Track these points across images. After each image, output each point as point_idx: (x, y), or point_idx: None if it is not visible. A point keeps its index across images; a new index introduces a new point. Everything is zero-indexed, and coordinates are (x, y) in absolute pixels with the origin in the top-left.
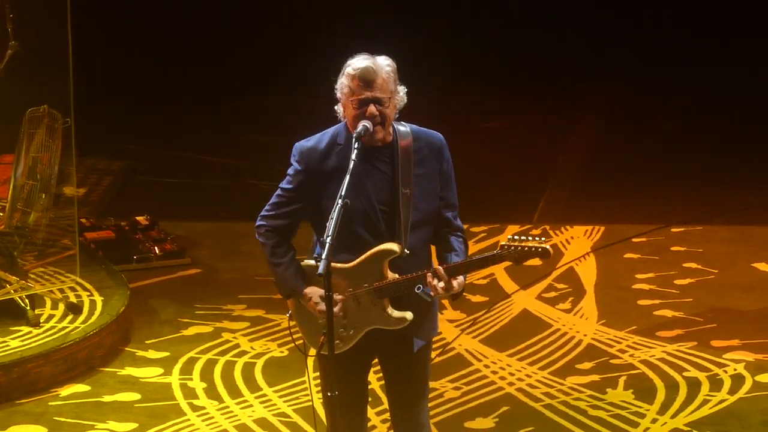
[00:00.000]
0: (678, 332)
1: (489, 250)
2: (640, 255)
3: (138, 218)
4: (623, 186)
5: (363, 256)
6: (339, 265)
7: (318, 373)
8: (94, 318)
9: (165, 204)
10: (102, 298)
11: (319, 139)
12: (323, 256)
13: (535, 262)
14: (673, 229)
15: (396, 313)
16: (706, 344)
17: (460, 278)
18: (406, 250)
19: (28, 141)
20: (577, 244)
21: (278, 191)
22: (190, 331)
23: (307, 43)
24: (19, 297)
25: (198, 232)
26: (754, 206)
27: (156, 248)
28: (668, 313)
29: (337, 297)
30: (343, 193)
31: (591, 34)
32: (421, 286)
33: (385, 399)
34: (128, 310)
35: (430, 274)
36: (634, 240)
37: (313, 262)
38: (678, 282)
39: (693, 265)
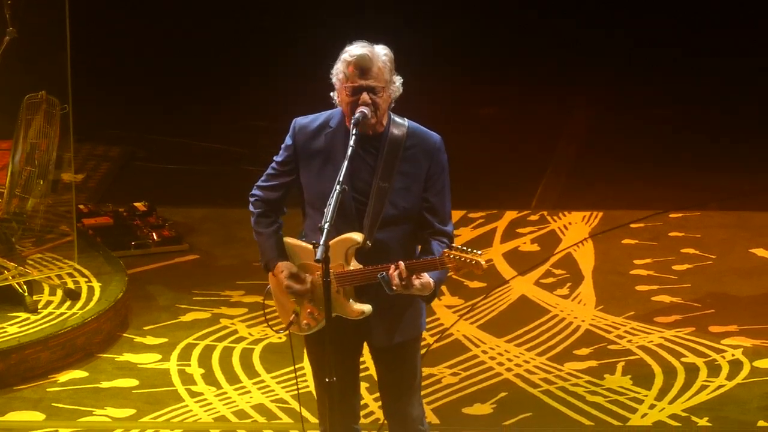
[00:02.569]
0: (676, 318)
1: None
2: (638, 241)
3: (136, 204)
4: (621, 172)
5: (331, 241)
6: (310, 246)
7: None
8: (92, 304)
9: (163, 190)
10: (100, 284)
11: (315, 118)
12: (321, 242)
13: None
14: (671, 215)
15: (356, 305)
16: (704, 330)
17: (426, 278)
18: (368, 242)
19: (26, 127)
20: (575, 229)
21: (271, 163)
22: (188, 317)
23: (305, 29)
24: (17, 283)
25: (196, 218)
26: (752, 192)
27: (154, 234)
28: (666, 298)
29: (306, 276)
30: (341, 179)
31: (589, 20)
32: (384, 273)
33: None
34: (126, 296)
35: (392, 266)
36: (632, 226)
37: (293, 240)
38: (676, 268)
39: (691, 250)
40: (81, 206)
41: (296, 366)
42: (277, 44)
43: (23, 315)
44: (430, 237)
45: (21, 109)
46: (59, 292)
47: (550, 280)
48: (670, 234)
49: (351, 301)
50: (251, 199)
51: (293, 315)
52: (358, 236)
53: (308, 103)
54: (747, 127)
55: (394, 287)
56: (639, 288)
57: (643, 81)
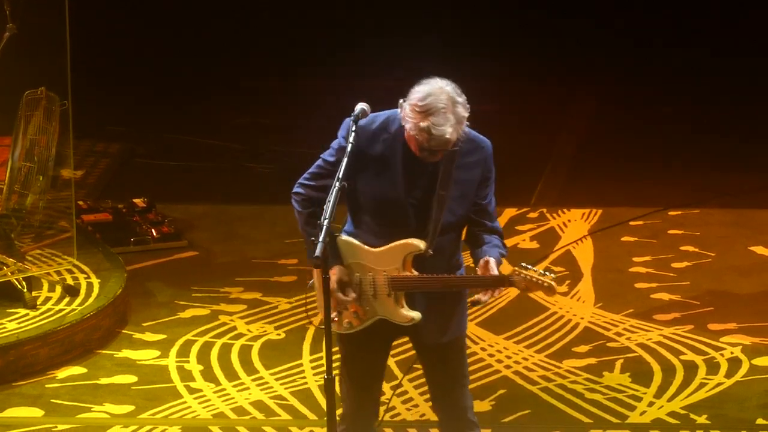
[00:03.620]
0: (675, 315)
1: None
2: (637, 238)
3: (135, 201)
4: (620, 169)
5: (389, 245)
6: (366, 246)
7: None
8: (91, 300)
9: (162, 187)
10: (99, 281)
11: (372, 119)
12: (320, 239)
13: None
14: (671, 213)
15: (406, 311)
16: (703, 327)
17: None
18: (430, 251)
19: (26, 123)
20: (574, 227)
21: (319, 161)
22: (187, 313)
23: (302, 25)
24: (16, 279)
25: (195, 214)
26: (752, 189)
27: (153, 231)
28: (665, 296)
29: (355, 278)
30: (341, 176)
31: (589, 17)
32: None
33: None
34: (125, 292)
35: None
36: (632, 223)
37: (348, 238)
38: (675, 265)
39: (690, 248)
40: (80, 202)
41: (293, 363)
42: (276, 41)
43: (22, 311)
44: (482, 233)
45: (20, 106)
46: (58, 288)
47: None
48: (669, 231)
49: (402, 306)
50: (296, 198)
51: (335, 313)
52: (421, 243)
53: (308, 99)
54: (747, 125)
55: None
56: (638, 285)
57: (643, 78)
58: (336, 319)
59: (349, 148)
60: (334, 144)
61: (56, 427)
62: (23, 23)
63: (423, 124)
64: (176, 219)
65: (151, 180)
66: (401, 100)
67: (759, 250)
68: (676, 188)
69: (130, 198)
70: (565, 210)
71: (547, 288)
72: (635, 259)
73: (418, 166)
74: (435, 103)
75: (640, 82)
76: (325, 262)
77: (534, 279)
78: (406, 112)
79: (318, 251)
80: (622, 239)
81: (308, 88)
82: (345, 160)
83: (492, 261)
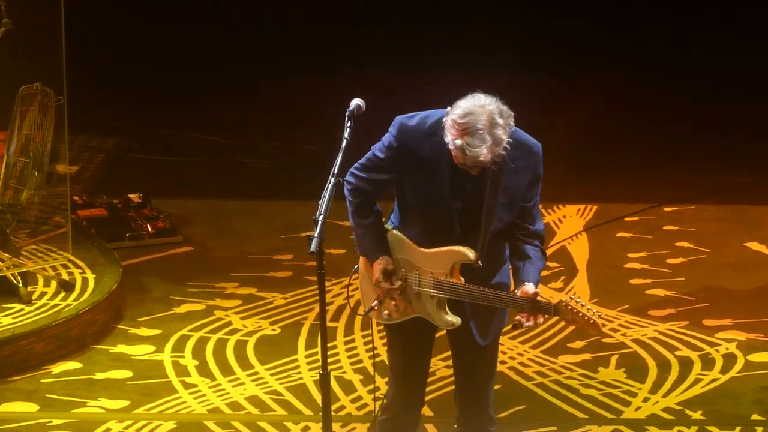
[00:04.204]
0: (670, 311)
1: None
2: (632, 234)
3: (130, 196)
4: (616, 165)
5: (440, 249)
6: (415, 245)
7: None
8: (86, 295)
9: (158, 182)
10: (94, 276)
11: (421, 121)
12: (315, 235)
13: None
14: (666, 209)
15: (448, 316)
16: (698, 323)
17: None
18: (480, 262)
19: (21, 119)
20: (569, 222)
21: (370, 154)
22: (182, 308)
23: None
24: (12, 274)
25: (190, 210)
26: (747, 185)
27: (148, 226)
28: (660, 292)
29: (401, 272)
30: (335, 171)
31: (587, 15)
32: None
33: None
34: (120, 287)
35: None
36: (627, 219)
37: (399, 233)
38: (670, 261)
39: (685, 244)
40: (75, 198)
41: (288, 359)
42: (273, 36)
43: (17, 306)
44: (523, 238)
45: (16, 101)
46: (53, 284)
47: (545, 273)
48: (664, 227)
49: (444, 310)
50: (347, 186)
51: (375, 302)
52: (471, 253)
53: (306, 94)
54: (742, 122)
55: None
56: (633, 281)
57: (639, 76)
58: (376, 308)
59: (343, 144)
60: (385, 140)
61: (51, 421)
62: (18, 18)
63: (459, 142)
64: (171, 214)
65: (146, 175)
66: (449, 108)
67: (754, 246)
68: (671, 184)
69: (126, 193)
70: (560, 206)
71: (593, 325)
72: (630, 255)
73: (465, 173)
74: (473, 123)
75: (636, 80)
76: (320, 257)
77: (581, 314)
78: (447, 124)
79: (313, 246)
80: (618, 235)
81: (305, 84)
82: (339, 156)
83: (531, 287)
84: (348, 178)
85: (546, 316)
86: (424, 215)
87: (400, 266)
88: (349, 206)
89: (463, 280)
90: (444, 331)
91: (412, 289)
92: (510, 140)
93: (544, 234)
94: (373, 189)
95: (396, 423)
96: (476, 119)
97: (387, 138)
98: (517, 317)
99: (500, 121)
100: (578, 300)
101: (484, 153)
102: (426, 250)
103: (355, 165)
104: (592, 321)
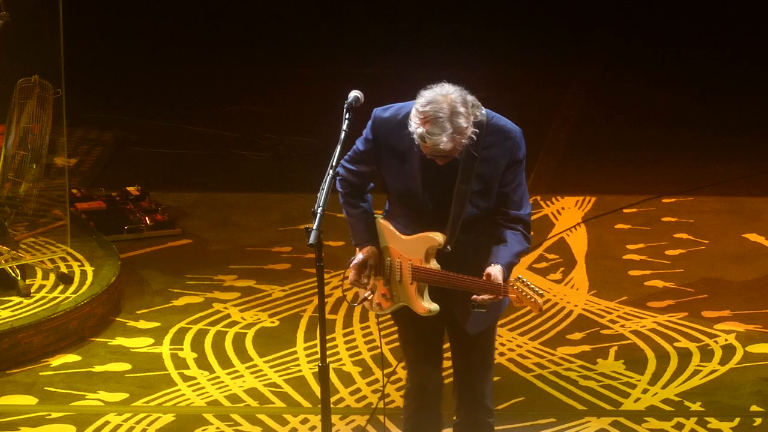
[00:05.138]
0: (669, 303)
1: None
2: (630, 226)
3: (129, 189)
4: (614, 156)
5: (415, 235)
6: (398, 233)
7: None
8: (84, 288)
9: (156, 174)
10: (93, 269)
11: (396, 112)
12: (314, 227)
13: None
14: (664, 200)
15: (425, 302)
16: (696, 315)
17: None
18: (448, 246)
19: (19, 111)
20: (568, 214)
21: (354, 146)
22: (181, 301)
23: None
24: (10, 267)
25: (189, 202)
26: (745, 176)
27: (147, 219)
28: (659, 283)
29: (387, 261)
30: (333, 163)
31: (583, 5)
32: (475, 303)
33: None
34: (119, 280)
35: (474, 299)
36: (625, 211)
37: (385, 221)
38: (669, 253)
39: (684, 235)
40: (74, 190)
41: (287, 351)
42: (270, 28)
43: (16, 299)
44: (503, 223)
45: (14, 94)
46: (52, 276)
47: (543, 264)
48: (663, 219)
49: (422, 297)
50: (338, 178)
51: (369, 293)
52: (440, 237)
53: (300, 87)
54: (740, 113)
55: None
56: (632, 273)
57: (636, 66)
58: (369, 298)
59: (342, 136)
60: (364, 132)
61: (50, 414)
62: (16, 11)
63: (420, 131)
64: (170, 207)
65: (144, 168)
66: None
67: (753, 237)
68: (669, 175)
69: (124, 186)
70: (558, 197)
71: (533, 304)
72: (629, 246)
73: (434, 161)
74: (434, 112)
75: (633, 69)
76: (319, 249)
77: (524, 293)
78: (412, 113)
79: (312, 239)
80: (616, 227)
81: (303, 75)
82: (338, 148)
83: (496, 269)
84: (339, 169)
85: (500, 297)
86: (403, 204)
87: (386, 255)
88: (340, 197)
89: (438, 266)
90: None
91: (396, 278)
92: (476, 129)
93: (528, 218)
94: (358, 180)
95: (416, 406)
96: (437, 108)
97: (365, 130)
98: (473, 298)
99: (462, 110)
100: (525, 281)
101: (444, 141)
102: (404, 237)
103: (345, 157)
104: (533, 300)
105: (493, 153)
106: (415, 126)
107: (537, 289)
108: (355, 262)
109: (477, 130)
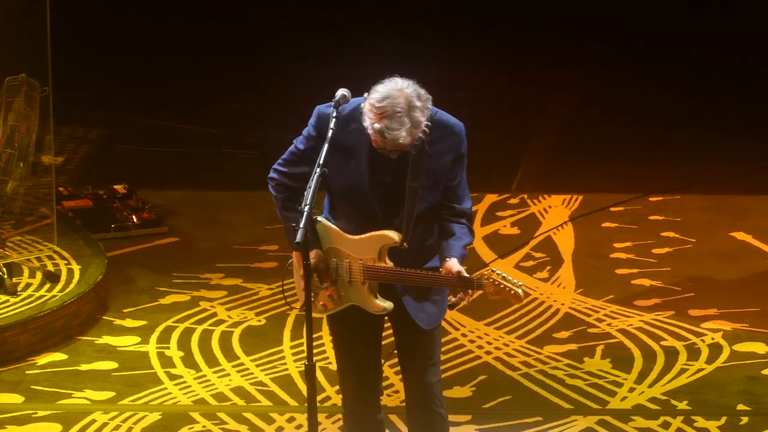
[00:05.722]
0: (656, 301)
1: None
2: (617, 224)
3: (116, 187)
4: (601, 155)
5: (366, 235)
6: (343, 233)
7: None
8: (71, 287)
9: (143, 172)
10: (79, 267)
11: (343, 108)
12: (301, 225)
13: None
14: (651, 198)
15: (379, 301)
16: (683, 313)
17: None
18: (405, 244)
19: (6, 109)
20: (554, 213)
21: (292, 147)
22: (168, 299)
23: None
24: None
25: (176, 200)
26: (732, 175)
27: (134, 217)
28: (646, 282)
29: (333, 263)
30: (321, 162)
31: (571, 5)
32: (452, 302)
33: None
34: (106, 278)
35: (451, 297)
36: (612, 209)
37: (327, 222)
38: (656, 251)
39: (671, 234)
40: (61, 189)
41: (274, 349)
42: (255, 27)
43: (2, 297)
44: (449, 218)
45: (1, 92)
46: (39, 275)
47: (530, 263)
48: (650, 217)
49: (375, 296)
50: (271, 183)
51: (312, 296)
52: (396, 236)
53: (287, 85)
54: (727, 112)
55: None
56: (619, 271)
57: (624, 67)
58: (312, 300)
59: (329, 134)
60: (305, 131)
61: (36, 413)
62: (4, 9)
63: (377, 126)
64: (157, 205)
65: (131, 166)
66: (366, 94)
67: (740, 235)
68: (656, 174)
69: (111, 184)
70: (545, 196)
71: (514, 296)
72: (616, 244)
73: (385, 158)
74: (391, 107)
75: (620, 68)
76: (306, 247)
77: (502, 285)
78: (366, 109)
79: (299, 237)
80: (603, 225)
81: (290, 73)
82: (325, 146)
83: (454, 262)
84: (271, 174)
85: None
86: (348, 202)
87: (331, 256)
88: (275, 202)
89: (391, 264)
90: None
91: (344, 278)
92: (429, 122)
93: (471, 212)
94: (296, 183)
95: (355, 417)
96: (394, 102)
97: (307, 128)
98: (449, 299)
99: (418, 103)
100: (499, 272)
101: (403, 135)
102: (353, 237)
103: (278, 161)
104: (513, 292)
105: (439, 148)
106: (371, 122)
107: (513, 280)
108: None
109: (429, 123)
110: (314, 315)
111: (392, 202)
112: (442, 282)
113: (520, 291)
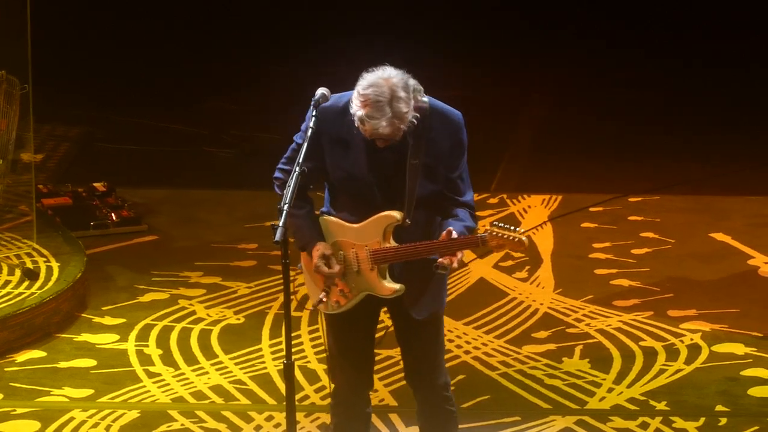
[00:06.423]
0: (635, 302)
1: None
2: (597, 224)
3: (95, 185)
4: (581, 155)
5: (368, 220)
6: (346, 223)
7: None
8: (50, 284)
9: (122, 171)
10: (59, 265)
11: (337, 100)
12: (280, 224)
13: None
14: (631, 199)
15: (389, 283)
16: (662, 314)
17: (459, 254)
18: (407, 220)
19: None
20: (534, 213)
21: (293, 144)
22: (147, 297)
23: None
24: None
25: (155, 199)
26: (712, 176)
27: (113, 215)
28: (625, 282)
29: (340, 255)
30: (300, 160)
31: (550, 6)
32: (440, 264)
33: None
34: (85, 276)
35: (445, 259)
36: (592, 209)
37: (329, 217)
38: (635, 251)
39: (650, 234)
40: (40, 186)
41: (252, 348)
42: (240, 25)
43: None
44: (452, 206)
45: None
46: (17, 272)
47: (509, 263)
48: (629, 218)
49: (385, 279)
50: (276, 182)
51: (323, 293)
52: (397, 214)
53: (274, 84)
54: (707, 113)
55: (451, 267)
56: (598, 271)
57: (604, 67)
58: (324, 299)
59: (309, 133)
60: (303, 126)
61: (15, 410)
62: None
63: (360, 113)
64: (136, 203)
65: (111, 164)
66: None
67: (719, 236)
68: (636, 174)
69: (91, 182)
70: (525, 196)
71: (518, 243)
72: (595, 245)
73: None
74: (374, 95)
75: (600, 71)
76: (285, 246)
77: (505, 236)
78: (354, 95)
79: (278, 236)
80: (582, 225)
81: (272, 73)
82: (305, 144)
83: (454, 227)
84: (275, 174)
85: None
86: (347, 192)
87: (337, 250)
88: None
89: (396, 244)
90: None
91: (353, 268)
92: (416, 114)
93: (473, 204)
94: (300, 181)
95: (346, 407)
96: (378, 91)
97: (305, 123)
98: (439, 260)
99: (402, 94)
100: (501, 224)
101: (383, 125)
102: (355, 225)
103: (281, 160)
104: (516, 239)
105: (437, 134)
106: (356, 108)
107: (514, 228)
108: (317, 257)
109: (418, 115)
110: (329, 312)
111: (391, 187)
112: (447, 246)
113: (524, 238)
